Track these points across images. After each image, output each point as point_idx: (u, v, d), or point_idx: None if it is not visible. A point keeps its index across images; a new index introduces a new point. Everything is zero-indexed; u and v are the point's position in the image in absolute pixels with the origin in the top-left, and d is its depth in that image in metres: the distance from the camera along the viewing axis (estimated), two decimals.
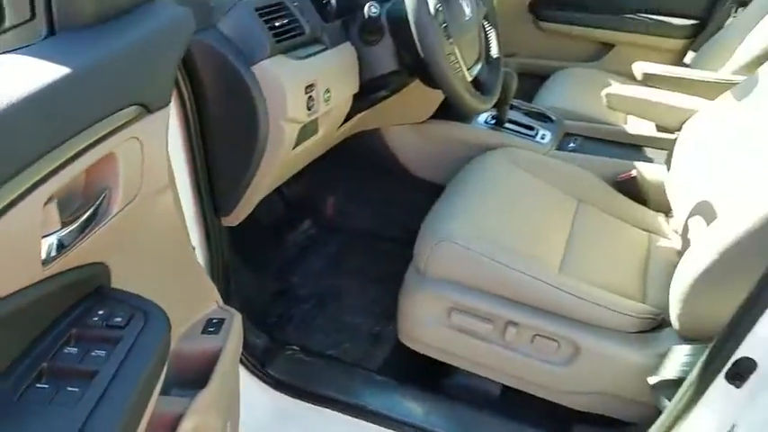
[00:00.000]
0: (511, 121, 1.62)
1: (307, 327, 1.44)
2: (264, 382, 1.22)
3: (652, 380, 0.98)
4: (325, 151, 1.39)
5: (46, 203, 0.53)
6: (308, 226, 1.76)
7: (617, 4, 2.32)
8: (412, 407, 1.19)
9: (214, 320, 0.92)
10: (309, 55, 1.09)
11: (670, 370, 0.96)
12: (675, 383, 0.94)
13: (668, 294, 1.02)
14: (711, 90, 1.47)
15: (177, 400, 0.76)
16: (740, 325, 0.81)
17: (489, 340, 1.14)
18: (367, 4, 1.17)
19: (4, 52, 0.57)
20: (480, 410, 1.19)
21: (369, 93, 1.30)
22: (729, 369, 0.84)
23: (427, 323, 1.18)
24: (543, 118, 1.69)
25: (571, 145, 1.61)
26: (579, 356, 1.08)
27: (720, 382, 0.85)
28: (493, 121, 1.62)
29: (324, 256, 1.69)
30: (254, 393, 1.21)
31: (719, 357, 0.84)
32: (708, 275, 0.91)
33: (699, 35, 2.15)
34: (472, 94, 1.27)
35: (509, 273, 1.10)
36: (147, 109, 0.66)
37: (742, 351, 0.82)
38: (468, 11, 1.30)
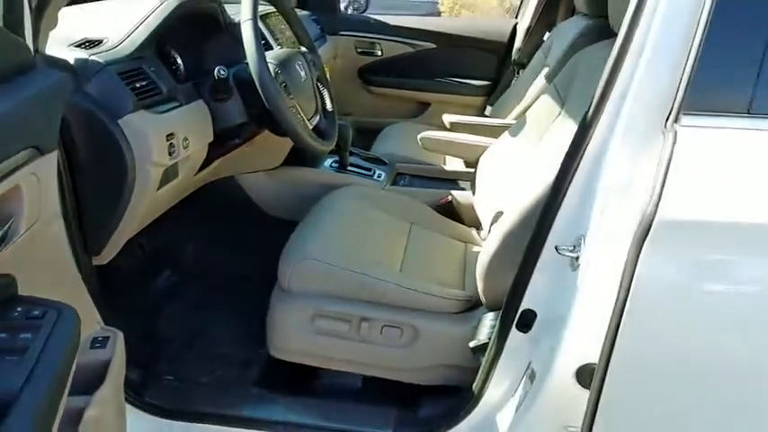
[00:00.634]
0: (352, 165, 1.95)
1: (179, 361, 1.54)
2: (143, 409, 1.31)
3: (472, 344, 1.27)
4: (184, 202, 1.55)
5: None
6: (168, 274, 1.86)
7: (429, 70, 2.81)
8: (284, 409, 1.36)
9: (99, 338, 1.04)
10: (167, 110, 1.29)
11: (482, 334, 1.26)
12: (488, 343, 1.23)
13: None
14: (502, 131, 1.89)
15: (79, 398, 0.88)
16: (519, 286, 1.12)
17: (348, 338, 1.36)
18: (216, 68, 1.41)
19: None
20: (345, 402, 1.39)
21: (222, 141, 1.52)
22: (518, 321, 1.14)
23: (295, 332, 1.37)
24: (378, 162, 2.04)
25: (402, 182, 1.98)
26: (419, 338, 1.34)
27: (514, 332, 1.15)
28: (336, 165, 1.93)
29: (187, 299, 1.78)
30: (132, 421, 1.29)
31: (510, 313, 1.14)
32: (496, 258, 1.23)
33: (493, 93, 2.69)
34: (314, 139, 1.54)
35: (360, 277, 1.35)
36: (41, 151, 0.83)
37: (524, 305, 1.12)
38: (302, 73, 1.59)
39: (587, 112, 0.98)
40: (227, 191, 1.86)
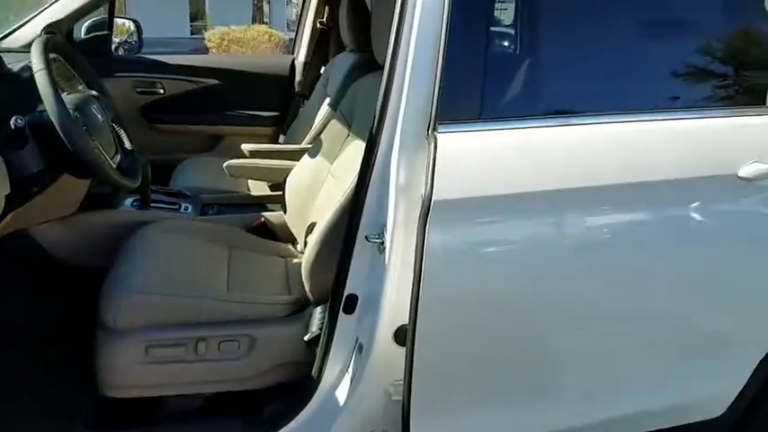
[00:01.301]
0: (156, 201, 2.01)
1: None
2: None
3: (306, 337, 1.47)
4: None
5: None
6: None
7: (217, 105, 2.96)
8: None
9: None
10: None
11: (314, 326, 1.47)
12: (320, 333, 1.45)
13: (304, 286, 1.55)
14: (298, 155, 2.14)
15: None
16: (341, 275, 1.34)
17: (186, 360, 1.46)
18: (13, 118, 1.43)
19: None
20: (190, 424, 1.49)
21: (20, 191, 1.51)
22: (344, 306, 1.37)
23: (130, 368, 1.42)
24: (182, 196, 2.13)
25: (211, 211, 2.10)
26: (255, 346, 1.50)
27: (342, 316, 1.36)
28: (138, 204, 1.98)
29: None
30: None
31: (336, 300, 1.36)
32: (317, 258, 1.46)
33: (283, 122, 2.95)
34: (120, 177, 1.62)
35: (188, 301, 1.47)
36: None
37: (347, 291, 1.34)
38: (99, 116, 1.66)
39: (371, 131, 1.27)
40: (21, 246, 1.80)
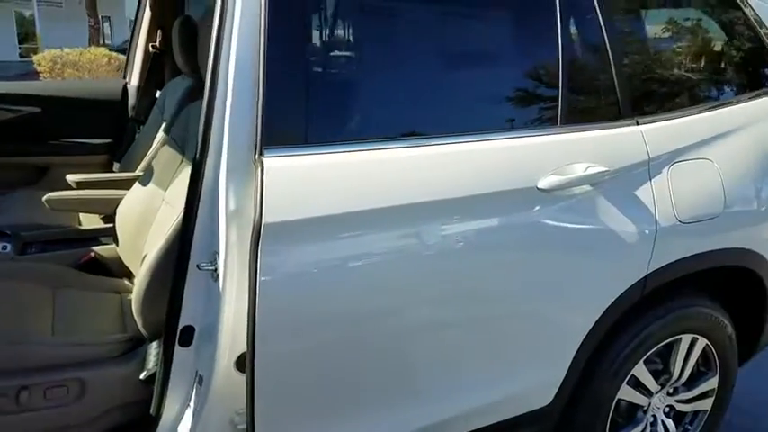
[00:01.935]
0: None
1: None
2: None
3: (142, 375, 1.43)
4: None
5: None
6: None
7: (40, 134, 2.76)
8: None
9: None
10: None
11: (150, 363, 1.43)
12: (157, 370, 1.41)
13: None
14: (131, 183, 2.06)
15: None
16: (174, 307, 1.33)
17: (7, 412, 1.35)
18: None
19: None
20: None
21: None
22: (180, 339, 1.35)
23: None
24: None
25: (33, 250, 1.96)
26: (87, 390, 1.42)
27: (178, 350, 1.34)
28: None
29: None
30: None
31: (171, 334, 1.34)
32: (148, 291, 1.42)
33: (117, 149, 2.82)
34: None
35: (7, 348, 1.36)
36: None
37: (182, 323, 1.33)
38: None
39: (195, 156, 1.27)
40: None
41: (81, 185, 2.14)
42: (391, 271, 1.32)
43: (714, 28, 2.09)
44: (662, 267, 1.59)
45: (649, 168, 1.56)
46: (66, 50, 11.08)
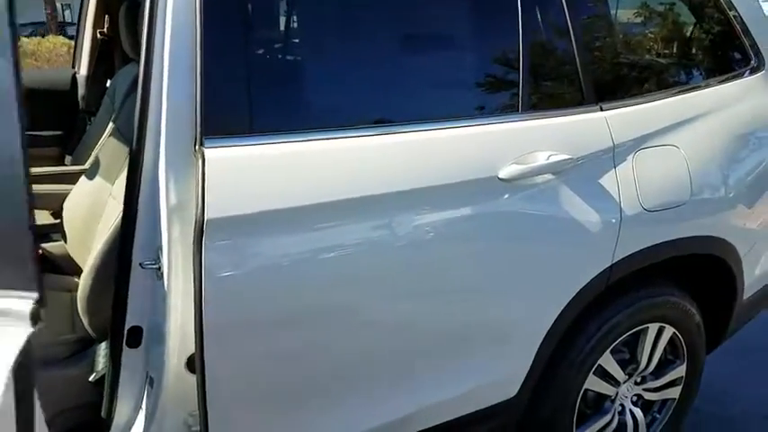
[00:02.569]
0: None
1: None
2: None
3: (91, 378, 1.40)
4: None
5: None
6: None
7: None
8: None
9: None
10: None
11: (99, 365, 1.40)
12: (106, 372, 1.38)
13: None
14: (79, 177, 2.01)
15: None
16: (119, 307, 1.28)
17: None
18: None
19: None
20: None
21: None
22: (127, 340, 1.32)
23: None
24: None
25: None
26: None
27: (126, 351, 1.30)
28: None
29: None
30: None
31: (118, 335, 1.30)
32: (92, 291, 1.39)
33: (68, 142, 2.74)
34: None
35: None
36: None
37: (129, 323, 1.29)
38: None
39: (131, 148, 1.21)
40: None
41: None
42: (343, 265, 1.30)
43: (685, 12, 2.10)
44: (628, 256, 1.60)
45: (614, 155, 1.56)
46: (25, 40, 10.81)
